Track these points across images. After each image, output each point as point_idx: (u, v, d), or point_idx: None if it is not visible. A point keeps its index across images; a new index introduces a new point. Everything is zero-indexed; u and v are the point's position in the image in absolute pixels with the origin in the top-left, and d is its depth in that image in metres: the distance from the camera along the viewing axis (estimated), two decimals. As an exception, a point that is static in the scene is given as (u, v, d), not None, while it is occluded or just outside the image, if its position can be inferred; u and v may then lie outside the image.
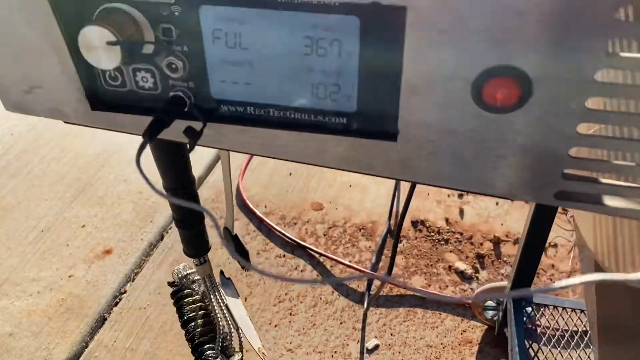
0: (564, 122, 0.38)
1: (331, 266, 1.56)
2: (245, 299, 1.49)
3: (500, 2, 0.34)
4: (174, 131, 0.44)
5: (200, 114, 0.44)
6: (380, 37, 0.38)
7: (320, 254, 1.57)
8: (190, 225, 0.87)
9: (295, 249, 1.61)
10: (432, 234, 1.62)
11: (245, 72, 0.42)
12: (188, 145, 0.41)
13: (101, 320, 1.47)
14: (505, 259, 1.55)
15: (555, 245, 1.57)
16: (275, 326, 1.43)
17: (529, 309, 1.25)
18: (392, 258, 1.16)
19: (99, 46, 0.39)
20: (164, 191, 0.39)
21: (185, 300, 1.04)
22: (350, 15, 0.38)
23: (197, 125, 0.44)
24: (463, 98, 0.38)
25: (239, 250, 1.11)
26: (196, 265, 0.95)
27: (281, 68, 0.41)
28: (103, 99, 0.46)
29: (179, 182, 0.78)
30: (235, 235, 1.10)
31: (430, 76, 0.38)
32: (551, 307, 1.24)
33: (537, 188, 0.42)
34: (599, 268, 0.71)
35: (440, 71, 0.37)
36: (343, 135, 0.43)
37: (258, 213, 1.69)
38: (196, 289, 1.07)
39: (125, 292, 1.54)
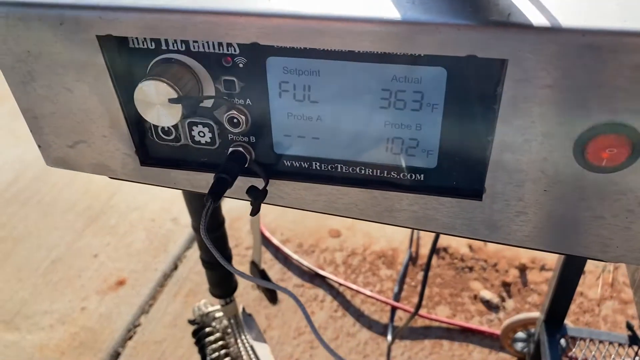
0: (675, 182, 0.34)
1: (352, 296, 1.52)
2: (264, 331, 1.44)
3: (612, 56, 0.30)
4: (234, 189, 0.40)
5: (262, 171, 0.40)
6: (470, 89, 0.35)
7: (340, 284, 1.53)
8: (219, 267, 0.83)
9: (314, 278, 1.57)
10: (456, 261, 1.58)
11: (312, 126, 0.39)
12: (251, 209, 0.38)
13: (115, 356, 1.42)
14: (532, 286, 1.51)
15: (583, 272, 1.53)
16: (297, 360, 1.38)
17: (563, 342, 1.20)
18: (422, 291, 1.12)
19: (158, 103, 0.36)
20: (233, 267, 0.35)
21: (207, 339, 0.99)
22: (436, 67, 0.34)
23: (259, 183, 0.40)
24: (564, 156, 0.34)
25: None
26: (222, 305, 0.91)
27: (353, 122, 0.38)
28: (154, 154, 0.42)
29: (210, 223, 0.74)
30: (263, 270, 1.06)
31: (529, 132, 0.34)
32: (587, 340, 1.19)
33: (637, 250, 0.38)
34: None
35: (540, 127, 0.33)
36: (419, 193, 0.39)
37: (275, 241, 1.65)
38: (217, 326, 1.03)
39: (139, 325, 1.49)
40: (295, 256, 1.61)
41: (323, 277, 1.55)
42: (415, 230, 1.66)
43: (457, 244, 1.63)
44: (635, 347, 1.15)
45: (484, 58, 0.32)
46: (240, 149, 0.40)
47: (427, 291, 1.51)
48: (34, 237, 1.72)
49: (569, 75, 0.31)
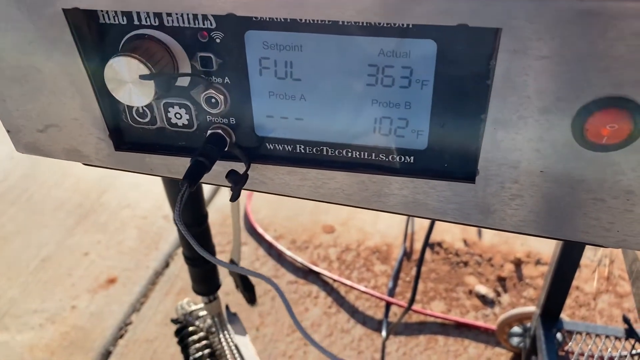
0: (680, 161, 0.32)
1: (346, 292, 1.50)
2: (257, 328, 1.42)
3: (614, 24, 0.28)
4: (213, 174, 0.38)
5: (243, 154, 0.38)
6: (462, 63, 0.32)
7: (334, 280, 1.51)
8: (202, 263, 0.81)
9: (308, 274, 1.54)
10: (450, 256, 1.56)
11: (296, 106, 0.36)
12: (231, 194, 0.35)
13: (106, 355, 1.40)
14: (527, 281, 1.49)
15: (578, 266, 1.51)
16: (290, 358, 1.36)
17: (559, 336, 1.18)
18: (415, 286, 1.10)
19: (129, 81, 0.34)
20: (223, 262, 0.33)
21: (190, 338, 0.97)
22: (425, 39, 0.32)
23: (236, 167, 0.38)
24: (561, 134, 0.32)
25: (245, 285, 1.05)
26: (205, 303, 0.88)
27: (338, 101, 0.36)
28: (129, 138, 0.40)
29: (192, 216, 0.72)
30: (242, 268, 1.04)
31: (524, 108, 0.32)
32: (583, 334, 1.18)
33: (637, 235, 0.36)
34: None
35: (536, 103, 0.31)
36: (409, 176, 0.37)
37: (267, 237, 1.63)
38: (200, 325, 1.01)
39: (130, 323, 1.47)
40: (288, 252, 1.59)
41: (317, 273, 1.53)
42: (409, 225, 1.64)
43: (452, 239, 1.61)
44: (632, 341, 1.14)
45: (475, 27, 0.30)
46: (220, 131, 0.37)
47: (422, 286, 1.50)
48: (24, 236, 1.69)
49: (567, 44, 0.29)
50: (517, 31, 0.29)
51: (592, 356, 1.15)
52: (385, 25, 0.32)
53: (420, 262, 1.06)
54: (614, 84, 0.30)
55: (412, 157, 0.37)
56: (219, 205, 1.78)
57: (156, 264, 1.60)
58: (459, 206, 0.37)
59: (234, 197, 0.35)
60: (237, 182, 0.36)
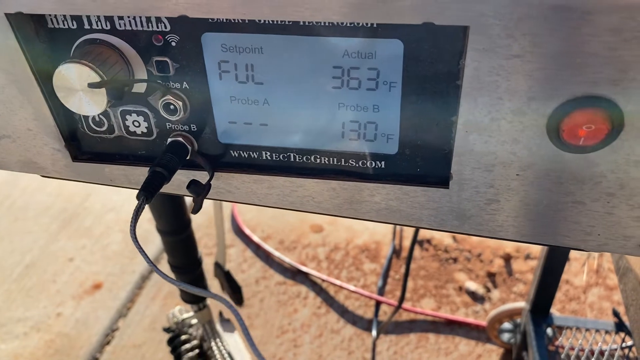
0: (661, 161, 0.30)
1: (335, 291, 1.48)
2: (247, 331, 1.40)
3: (588, 19, 0.26)
4: (177, 184, 0.36)
5: (206, 163, 0.36)
6: (430, 63, 0.31)
7: (323, 280, 1.49)
8: (189, 270, 0.79)
9: (297, 274, 1.53)
10: (440, 252, 1.55)
11: (259, 111, 0.34)
12: (194, 206, 0.34)
13: (93, 362, 1.38)
14: (517, 276, 1.48)
15: (568, 260, 1.50)
16: (280, 360, 1.34)
17: (549, 331, 1.17)
18: (404, 285, 1.09)
19: (80, 88, 0.32)
20: (165, 274, 0.31)
21: (183, 347, 0.95)
22: (391, 39, 0.30)
23: (201, 176, 0.36)
24: (536, 135, 0.31)
25: (232, 286, 1.03)
26: (195, 311, 0.86)
27: (304, 105, 0.34)
28: (86, 148, 0.38)
29: (174, 224, 0.70)
30: (228, 271, 1.02)
31: (495, 110, 0.30)
32: (573, 329, 1.17)
33: (619, 238, 0.34)
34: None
35: (508, 104, 0.30)
36: (381, 182, 0.35)
37: (255, 238, 1.61)
38: (193, 333, 0.99)
39: (117, 329, 1.45)
40: (276, 253, 1.57)
41: (306, 274, 1.51)
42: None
43: (441, 235, 1.60)
44: (622, 334, 1.13)
45: (442, 26, 0.28)
46: (180, 139, 0.35)
47: (411, 284, 1.48)
48: (7, 242, 1.66)
49: (538, 42, 0.27)
50: (486, 29, 0.27)
51: (583, 350, 1.14)
52: (348, 24, 0.30)
53: (409, 260, 1.05)
54: (589, 82, 0.28)
55: (383, 162, 0.35)
56: (205, 207, 1.76)
57: (142, 268, 1.57)
58: (434, 212, 0.36)
59: (195, 210, 0.34)
60: (198, 193, 0.34)
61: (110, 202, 1.78)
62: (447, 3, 0.27)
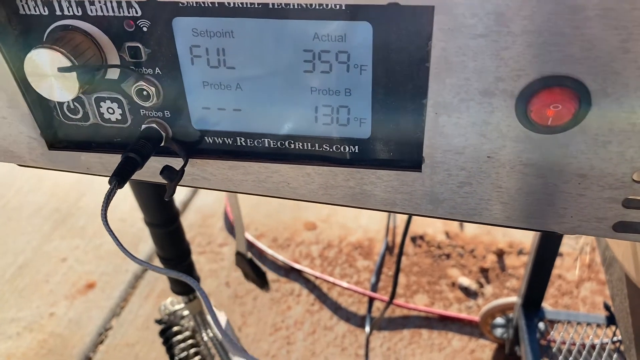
0: (629, 141, 0.30)
1: (328, 288, 1.48)
2: (240, 329, 1.40)
3: (551, -4, 0.27)
4: (152, 171, 0.36)
5: (181, 149, 0.36)
6: (399, 46, 0.31)
7: (316, 277, 1.49)
8: (178, 262, 0.79)
9: (290, 272, 1.53)
10: (433, 248, 1.55)
11: (232, 96, 0.35)
12: (167, 191, 0.34)
13: (86, 361, 1.37)
14: (510, 271, 1.48)
15: (560, 255, 1.51)
16: (273, 357, 1.34)
17: (541, 325, 1.18)
18: (395, 280, 1.09)
19: (51, 74, 0.32)
20: (141, 259, 0.31)
21: (175, 338, 0.95)
22: (360, 22, 0.31)
23: (177, 163, 0.36)
24: (506, 116, 0.31)
25: (256, 272, 1.04)
26: (185, 302, 0.86)
27: (276, 89, 0.34)
28: (62, 137, 0.38)
29: (162, 216, 0.70)
30: (251, 258, 1.03)
31: (464, 91, 0.30)
32: (565, 322, 1.17)
33: (592, 219, 0.34)
34: (631, 287, 0.64)
35: (476, 85, 0.30)
36: (355, 166, 0.35)
37: (248, 236, 1.61)
38: (185, 324, 0.99)
39: (110, 328, 1.44)
40: (270, 251, 1.57)
41: (299, 271, 1.51)
42: (391, 219, 1.63)
43: (434, 231, 1.60)
44: (613, 327, 1.13)
45: (408, 6, 0.28)
46: (154, 125, 0.35)
47: (404, 280, 1.49)
48: (0, 243, 1.66)
49: (502, 21, 0.27)
50: (451, 8, 0.27)
51: (574, 344, 1.14)
52: (317, 6, 0.30)
53: (400, 256, 1.05)
54: (555, 61, 0.28)
55: (356, 147, 0.35)
56: (198, 205, 1.76)
57: (135, 267, 1.57)
58: (408, 196, 0.36)
59: (169, 195, 0.34)
60: (172, 179, 0.34)
61: (104, 202, 1.77)
62: (411, -17, 0.27)
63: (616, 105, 0.29)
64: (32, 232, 1.69)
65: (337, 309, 1.43)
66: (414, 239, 1.58)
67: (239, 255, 0.99)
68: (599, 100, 0.29)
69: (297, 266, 1.52)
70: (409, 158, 0.35)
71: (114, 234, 0.30)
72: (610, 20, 0.26)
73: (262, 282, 1.04)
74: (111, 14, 0.32)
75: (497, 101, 0.30)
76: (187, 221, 1.70)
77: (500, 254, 1.51)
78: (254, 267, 1.01)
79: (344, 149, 0.35)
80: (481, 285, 1.45)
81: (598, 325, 1.15)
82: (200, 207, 1.75)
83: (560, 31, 0.27)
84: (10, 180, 1.87)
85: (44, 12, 0.33)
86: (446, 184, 0.34)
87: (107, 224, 0.31)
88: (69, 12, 0.33)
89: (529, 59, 0.29)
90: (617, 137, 0.31)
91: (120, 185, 0.32)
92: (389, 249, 1.56)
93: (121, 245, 0.30)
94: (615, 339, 1.12)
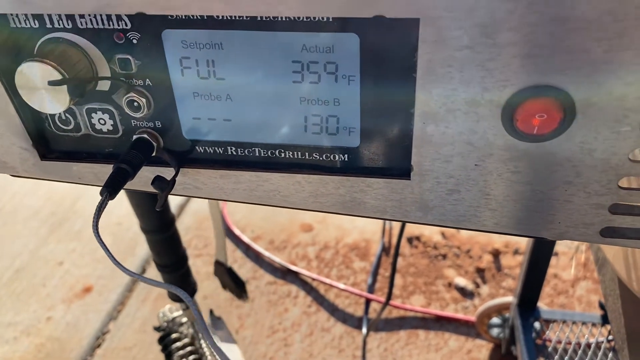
0: (613, 148, 0.31)
1: (325, 290, 1.49)
2: (237, 331, 1.41)
3: (534, 9, 0.27)
4: (145, 180, 0.36)
5: (172, 159, 0.36)
6: (386, 57, 0.31)
7: (313, 279, 1.50)
8: (174, 269, 0.79)
9: (287, 274, 1.53)
10: (429, 249, 1.56)
11: (223, 106, 0.35)
12: (158, 201, 0.34)
13: (84, 365, 1.38)
14: (506, 271, 1.49)
15: (556, 254, 1.51)
16: (270, 359, 1.35)
17: (537, 325, 1.18)
18: (391, 281, 1.09)
19: (42, 87, 0.32)
20: (131, 270, 0.32)
21: (174, 345, 0.95)
22: (347, 33, 0.31)
23: (169, 173, 0.37)
24: (492, 125, 0.31)
25: (236, 282, 1.04)
26: (183, 309, 0.87)
27: (265, 100, 0.34)
28: (54, 147, 0.38)
29: (158, 223, 0.70)
30: (230, 267, 1.03)
31: (451, 101, 0.31)
32: (560, 322, 1.18)
33: (580, 225, 0.35)
34: (623, 288, 0.65)
35: (463, 95, 0.30)
36: (344, 175, 0.36)
37: (245, 239, 1.61)
38: (184, 331, 0.99)
39: (108, 331, 1.44)
40: (266, 253, 1.57)
41: (296, 273, 1.52)
42: (387, 220, 1.63)
43: (430, 232, 1.61)
44: (608, 326, 1.14)
45: (393, 18, 0.29)
46: (146, 135, 0.36)
47: (401, 281, 1.49)
48: (-4, 247, 1.66)
49: (486, 33, 0.28)
50: (436, 21, 0.28)
51: (570, 343, 1.15)
52: (305, 19, 0.31)
53: (395, 257, 1.05)
54: (539, 72, 0.29)
55: (345, 155, 0.36)
56: (194, 209, 1.76)
57: (132, 270, 1.57)
58: (398, 203, 0.36)
59: (160, 204, 0.34)
60: (163, 189, 0.34)
61: (100, 205, 1.77)
62: (397, -4, 0.27)
63: (600, 114, 0.30)
64: (28, 235, 1.69)
65: (334, 311, 1.44)
66: (410, 240, 1.59)
67: (218, 264, 0.99)
68: (583, 109, 0.30)
69: (293, 268, 1.52)
70: (398, 166, 0.35)
71: (105, 245, 0.30)
72: (592, 32, 0.27)
73: (240, 291, 1.03)
74: (101, 26, 0.33)
75: (484, 111, 0.31)
76: (184, 224, 1.70)
77: (496, 254, 1.52)
78: (233, 276, 1.00)
79: (334, 157, 0.36)
80: (477, 286, 1.46)
81: (593, 324, 1.16)
82: (197, 210, 1.75)
83: (544, 43, 0.28)
84: (6, 184, 1.87)
85: (35, 25, 0.33)
86: (435, 191, 0.35)
87: (98, 235, 0.31)
88: (59, 25, 0.33)
89: (514, 69, 0.29)
90: (601, 145, 0.31)
91: (111, 196, 0.32)
92: (385, 250, 1.57)
93: (112, 256, 0.30)
94: (610, 337, 1.12)
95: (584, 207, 0.34)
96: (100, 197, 0.32)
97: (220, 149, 0.37)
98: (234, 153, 0.37)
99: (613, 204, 0.34)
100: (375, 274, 1.51)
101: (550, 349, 1.15)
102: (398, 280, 1.49)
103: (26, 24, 0.34)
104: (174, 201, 1.74)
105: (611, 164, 0.32)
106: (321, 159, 0.36)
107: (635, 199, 0.33)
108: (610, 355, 1.10)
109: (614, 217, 0.34)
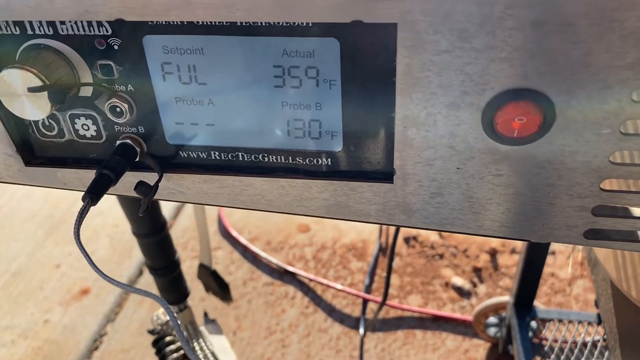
0: (594, 151, 0.31)
1: (323, 291, 1.49)
2: (234, 332, 1.41)
3: (511, 13, 0.27)
4: (129, 186, 0.36)
5: (156, 164, 0.36)
6: (366, 61, 0.31)
7: (311, 279, 1.50)
8: (167, 272, 0.79)
9: (284, 275, 1.53)
10: (426, 249, 1.56)
11: (205, 111, 0.35)
12: (141, 207, 0.34)
13: (82, 367, 1.38)
14: (503, 270, 1.49)
15: (553, 253, 1.51)
16: (268, 360, 1.35)
17: (533, 324, 1.18)
18: (387, 281, 1.09)
19: (22, 93, 0.32)
20: (113, 279, 0.32)
21: (168, 349, 0.95)
22: (327, 38, 0.31)
23: (153, 178, 0.37)
24: (472, 129, 0.31)
25: (220, 285, 1.03)
26: (176, 312, 0.87)
27: (247, 104, 0.34)
28: (39, 153, 0.38)
29: (149, 226, 0.70)
30: (214, 270, 1.03)
31: (431, 105, 0.31)
32: (556, 321, 1.18)
33: (563, 227, 0.35)
34: (615, 288, 0.65)
35: (442, 99, 0.30)
36: (328, 179, 0.36)
37: (242, 240, 1.61)
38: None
39: (105, 334, 1.45)
40: (263, 254, 1.57)
41: (293, 274, 1.52)
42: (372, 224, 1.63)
43: (427, 232, 1.61)
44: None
45: (371, 23, 0.29)
46: (129, 141, 0.36)
47: (398, 281, 1.49)
48: (-7, 250, 1.66)
49: (464, 37, 0.28)
50: (413, 25, 0.28)
51: (566, 342, 1.15)
52: (284, 24, 0.31)
53: (391, 257, 1.05)
54: (517, 75, 0.29)
55: (328, 160, 0.36)
56: (191, 211, 1.76)
57: (129, 273, 1.58)
58: (381, 207, 0.36)
59: (143, 209, 0.34)
60: (146, 194, 0.34)
61: (97, 207, 1.76)
62: (374, 1, 0.27)
63: (580, 116, 0.30)
64: (25, 238, 1.69)
65: (332, 311, 1.44)
66: (407, 240, 1.59)
67: (202, 267, 0.98)
68: (563, 112, 0.30)
69: (291, 269, 1.52)
70: (380, 170, 0.35)
71: (86, 252, 0.30)
72: (569, 36, 0.27)
73: (224, 294, 1.03)
74: (82, 33, 0.33)
75: (464, 114, 0.31)
76: (181, 226, 1.71)
77: (493, 253, 1.52)
78: (217, 279, 1.00)
79: (317, 161, 0.36)
80: (474, 285, 1.46)
81: (589, 323, 1.16)
82: (193, 214, 1.75)
83: (521, 46, 0.28)
84: (3, 186, 1.87)
85: (16, 31, 0.33)
86: (418, 194, 0.35)
87: (80, 242, 0.31)
88: (40, 32, 0.33)
89: (492, 73, 0.29)
90: (582, 147, 0.31)
91: (93, 202, 0.32)
92: (382, 250, 1.57)
93: (94, 265, 0.30)
94: (606, 336, 1.12)
95: (567, 209, 0.34)
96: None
97: (203, 153, 0.37)
98: (218, 158, 0.37)
99: (596, 206, 0.34)
100: (372, 274, 1.51)
101: (546, 347, 1.15)
102: (395, 280, 1.49)
103: (7, 31, 0.34)
104: (170, 204, 1.74)
105: (593, 167, 0.32)
106: (304, 163, 0.36)
107: (618, 201, 0.33)
108: (606, 354, 1.10)
109: (597, 219, 0.34)
